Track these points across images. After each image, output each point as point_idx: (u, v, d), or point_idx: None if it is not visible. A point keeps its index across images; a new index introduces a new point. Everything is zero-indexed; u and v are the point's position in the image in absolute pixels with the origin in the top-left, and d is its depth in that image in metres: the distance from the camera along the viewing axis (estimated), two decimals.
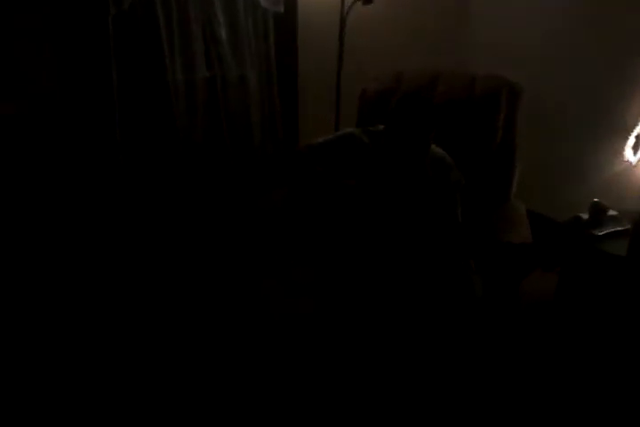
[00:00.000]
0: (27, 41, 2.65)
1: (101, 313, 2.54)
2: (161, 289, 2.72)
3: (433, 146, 2.14)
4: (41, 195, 2.78)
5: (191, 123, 3.11)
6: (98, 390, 2.10)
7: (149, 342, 2.37)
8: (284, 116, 3.43)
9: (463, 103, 2.53)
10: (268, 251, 3.02)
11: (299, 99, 3.45)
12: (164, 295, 2.68)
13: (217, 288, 2.75)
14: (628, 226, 2.40)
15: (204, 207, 3.22)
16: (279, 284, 2.65)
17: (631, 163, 2.70)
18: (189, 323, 2.49)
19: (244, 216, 3.26)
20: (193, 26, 2.98)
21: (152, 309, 2.58)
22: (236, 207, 3.29)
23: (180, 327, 2.45)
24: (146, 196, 3.04)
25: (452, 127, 2.48)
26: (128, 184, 2.97)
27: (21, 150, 2.72)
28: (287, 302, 2.52)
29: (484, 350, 2.27)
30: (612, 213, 2.50)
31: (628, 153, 2.70)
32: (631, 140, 2.68)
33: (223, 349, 2.32)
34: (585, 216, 2.51)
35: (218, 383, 2.14)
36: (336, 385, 2.12)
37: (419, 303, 2.03)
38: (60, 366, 2.20)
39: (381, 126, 2.16)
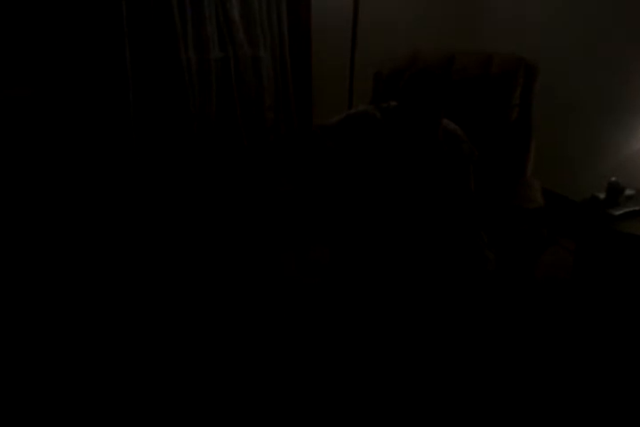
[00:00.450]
0: (41, 23, 2.66)
1: (103, 307, 2.55)
2: (166, 283, 2.73)
3: (445, 120, 2.13)
4: (57, 176, 2.80)
5: (204, 103, 3.11)
6: (98, 390, 2.09)
7: (151, 339, 2.36)
8: (297, 97, 3.42)
9: (479, 80, 2.52)
10: (284, 229, 3.05)
11: (312, 79, 3.43)
12: (169, 290, 2.69)
13: (225, 279, 2.75)
14: None
15: (218, 188, 3.23)
16: (295, 260, 2.68)
17: None
18: (191, 319, 2.49)
19: (259, 197, 3.28)
20: (206, 6, 2.96)
21: (155, 304, 2.58)
22: (250, 188, 3.30)
23: (183, 324, 2.45)
24: (159, 175, 3.05)
25: (467, 104, 2.47)
26: (141, 163, 2.98)
27: (37, 132, 2.74)
28: (302, 277, 2.55)
29: (495, 326, 2.27)
30: (629, 192, 2.47)
31: None
32: None
33: (225, 346, 2.32)
34: (602, 196, 2.49)
35: (219, 382, 2.14)
36: (339, 381, 2.12)
37: (430, 275, 2.03)
38: (60, 366, 2.20)
39: (394, 102, 2.17)
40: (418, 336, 2.16)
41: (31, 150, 2.72)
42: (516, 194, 2.34)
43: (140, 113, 2.92)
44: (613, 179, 2.47)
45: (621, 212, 2.41)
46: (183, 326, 2.43)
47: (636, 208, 2.41)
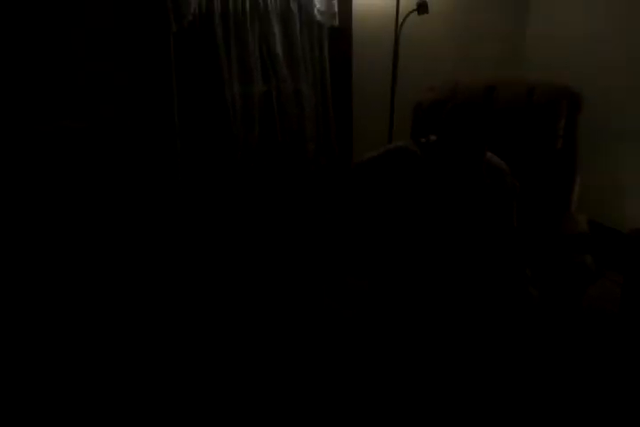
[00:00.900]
0: (96, 61, 2.78)
1: (103, 307, 2.58)
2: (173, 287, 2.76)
3: (489, 153, 2.11)
4: (106, 205, 2.87)
5: (248, 136, 3.17)
6: (98, 390, 2.10)
7: (153, 339, 2.39)
8: (338, 130, 3.45)
9: (522, 111, 2.50)
10: (324, 259, 3.05)
11: (353, 112, 3.46)
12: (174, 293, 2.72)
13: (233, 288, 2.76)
14: None
15: (259, 218, 3.26)
16: (334, 292, 2.66)
17: None
18: (194, 321, 2.51)
19: (299, 227, 3.30)
20: (250, 41, 3.04)
21: (160, 306, 2.61)
22: (292, 219, 3.33)
23: (186, 325, 2.48)
24: (205, 208, 3.10)
25: (511, 136, 2.45)
26: (187, 198, 3.04)
27: (91, 163, 2.83)
28: (339, 308, 2.53)
29: (538, 360, 2.21)
30: None
31: None
32: None
33: (227, 348, 2.32)
34: None
35: (219, 382, 2.14)
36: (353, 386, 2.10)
37: (473, 312, 1.99)
38: (60, 366, 2.22)
39: (433, 137, 2.15)
40: (453, 374, 2.10)
41: (81, 182, 2.80)
42: (560, 228, 2.29)
43: (186, 146, 3.00)
44: None
45: None
46: (186, 326, 2.44)
47: None
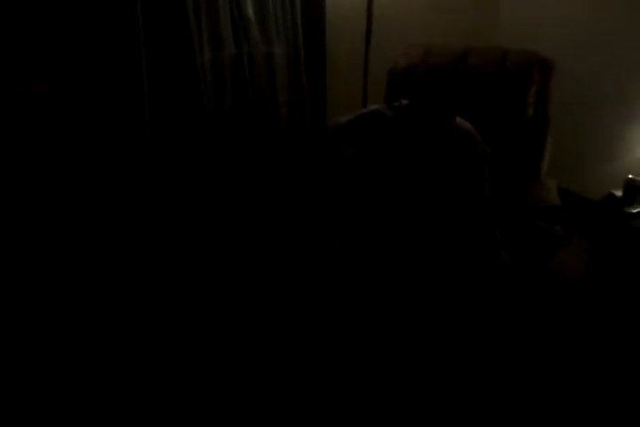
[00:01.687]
0: (59, 22, 2.68)
1: (103, 307, 2.56)
2: (167, 281, 2.75)
3: (460, 119, 2.11)
4: (70, 173, 2.82)
5: (218, 100, 3.11)
6: (98, 390, 2.10)
7: (152, 338, 2.38)
8: (311, 94, 3.41)
9: (494, 77, 2.49)
10: (291, 227, 3.05)
11: (326, 76, 3.42)
12: (170, 288, 2.70)
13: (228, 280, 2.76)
14: None
15: (231, 185, 3.24)
16: (303, 258, 2.67)
17: None
18: (193, 318, 2.50)
19: (268, 195, 3.29)
20: (220, 4, 2.96)
21: (156, 303, 2.60)
22: (264, 184, 3.31)
23: (183, 322, 2.47)
24: (173, 173, 3.06)
25: (482, 101, 2.45)
26: (156, 160, 2.99)
27: (56, 127, 2.76)
28: (311, 277, 2.54)
29: (507, 325, 2.26)
30: None
31: None
32: None
33: (226, 345, 2.33)
34: (619, 194, 2.46)
35: (219, 381, 2.14)
36: (342, 380, 2.12)
37: (444, 274, 2.02)
38: (60, 366, 2.21)
39: (405, 101, 2.15)
40: (427, 334, 2.15)
41: (47, 147, 2.74)
42: (530, 193, 2.32)
43: (155, 109, 2.93)
44: (630, 176, 2.44)
45: (638, 209, 2.39)
46: (184, 325, 2.44)
47: None
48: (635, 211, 2.38)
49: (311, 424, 1.97)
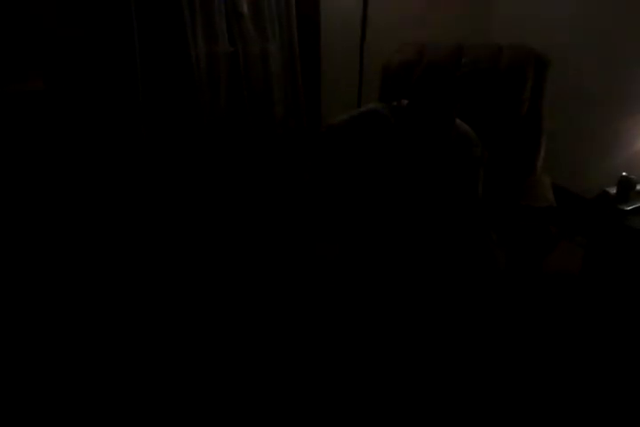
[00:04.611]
0: (52, 17, 2.66)
1: (104, 307, 2.56)
2: (167, 281, 2.74)
3: (459, 121, 2.10)
4: (64, 171, 2.81)
5: (213, 97, 3.10)
6: (98, 390, 2.10)
7: (152, 338, 2.38)
8: (306, 91, 3.40)
9: (488, 74, 2.49)
10: (291, 225, 3.05)
11: (321, 73, 3.41)
12: (170, 288, 2.70)
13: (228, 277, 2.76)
14: None
15: (226, 183, 3.23)
16: (302, 257, 2.66)
17: None
18: (192, 317, 2.50)
19: (270, 193, 3.29)
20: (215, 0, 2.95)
21: (156, 303, 2.59)
22: (259, 183, 3.30)
23: (183, 322, 2.47)
24: (169, 168, 3.05)
25: (477, 98, 2.44)
26: (150, 157, 2.98)
27: (48, 125, 2.75)
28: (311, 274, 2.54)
29: (502, 323, 2.26)
30: None
31: None
32: None
33: (225, 344, 2.33)
34: (613, 191, 2.46)
35: (219, 381, 2.14)
36: (339, 378, 2.13)
37: (439, 273, 2.02)
38: (60, 366, 2.21)
39: (405, 101, 2.13)
40: (424, 333, 2.15)
41: (40, 145, 2.73)
42: (525, 191, 2.31)
43: (149, 107, 2.91)
44: (624, 174, 2.44)
45: (632, 207, 2.39)
46: (185, 325, 2.44)
47: None
48: (628, 208, 2.38)
49: (311, 424, 1.97)
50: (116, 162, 2.91)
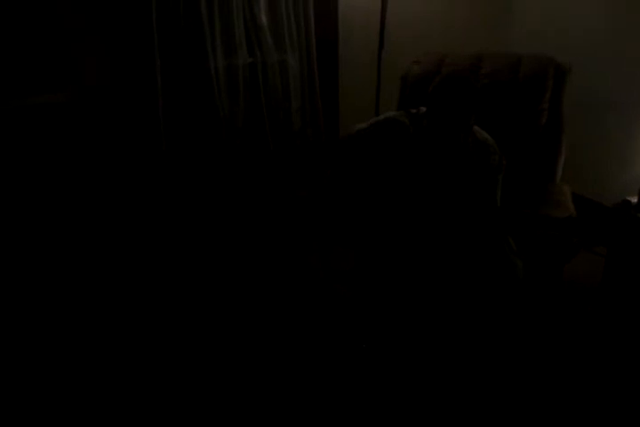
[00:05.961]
0: (74, 32, 2.70)
1: (104, 307, 2.58)
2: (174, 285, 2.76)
3: (477, 128, 2.10)
4: (86, 180, 2.85)
5: (232, 108, 3.13)
6: (98, 390, 2.11)
7: (152, 338, 2.39)
8: (324, 102, 3.42)
9: (508, 84, 2.49)
10: (305, 233, 3.06)
11: (339, 83, 3.43)
12: (175, 291, 2.71)
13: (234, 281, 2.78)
14: None
15: (245, 191, 3.25)
16: (321, 263, 2.66)
17: None
18: (199, 322, 2.51)
19: (287, 201, 3.30)
20: (234, 11, 2.98)
21: (159, 305, 2.61)
22: (277, 192, 3.32)
23: (188, 325, 2.48)
24: (189, 180, 3.08)
25: (497, 108, 2.44)
26: (171, 169, 3.01)
27: (70, 138, 2.79)
28: (329, 283, 2.54)
29: (524, 333, 2.25)
30: None
31: None
32: None
33: (232, 348, 2.33)
34: (634, 200, 2.44)
35: (219, 381, 2.15)
36: (349, 384, 2.13)
37: (457, 282, 2.02)
38: (60, 366, 2.22)
39: (424, 108, 2.14)
40: (440, 340, 2.14)
41: (60, 156, 2.77)
42: (545, 200, 2.31)
43: (168, 119, 2.95)
44: None
45: None
46: (192, 329, 2.45)
47: None
48: None
49: (311, 424, 1.97)
50: (137, 174, 2.94)
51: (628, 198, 2.46)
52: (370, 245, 2.22)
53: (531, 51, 2.62)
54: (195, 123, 3.06)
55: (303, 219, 3.21)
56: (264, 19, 3.10)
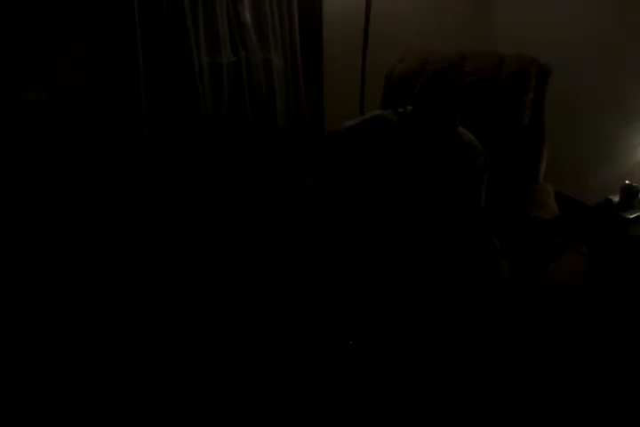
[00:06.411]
0: (56, 27, 2.67)
1: (104, 307, 2.56)
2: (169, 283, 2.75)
3: (462, 129, 2.10)
4: (69, 177, 2.82)
5: (216, 107, 3.12)
6: (98, 390, 2.10)
7: (152, 338, 2.38)
8: (308, 100, 3.41)
9: (491, 83, 2.50)
10: (289, 231, 3.05)
11: (324, 82, 3.42)
12: (172, 290, 2.70)
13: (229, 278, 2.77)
14: None
15: (229, 190, 3.24)
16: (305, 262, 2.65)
17: None
18: (194, 320, 2.50)
19: (272, 200, 3.29)
20: (218, 9, 2.96)
21: (157, 304, 2.60)
22: (261, 190, 3.31)
23: (185, 325, 2.47)
24: (172, 178, 3.06)
25: (479, 107, 2.45)
26: (153, 166, 2.99)
27: (51, 135, 2.76)
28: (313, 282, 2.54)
29: (506, 332, 2.26)
30: None
31: None
32: None
33: (227, 347, 2.33)
34: (616, 199, 2.46)
35: (219, 381, 2.15)
36: (340, 382, 2.13)
37: (442, 281, 2.02)
38: (60, 366, 2.20)
39: (410, 107, 2.14)
40: (426, 342, 2.15)
41: (43, 153, 2.74)
42: (528, 199, 2.32)
43: (152, 116, 2.93)
44: (627, 182, 2.45)
45: (635, 215, 2.38)
46: (187, 329, 2.44)
47: None
48: (631, 216, 2.38)
49: (311, 424, 1.97)
50: (120, 171, 2.92)
51: (610, 197, 2.48)
52: (355, 245, 2.22)
53: (514, 51, 2.63)
54: (178, 121, 3.04)
55: (288, 218, 3.21)
56: (248, 16, 3.09)
